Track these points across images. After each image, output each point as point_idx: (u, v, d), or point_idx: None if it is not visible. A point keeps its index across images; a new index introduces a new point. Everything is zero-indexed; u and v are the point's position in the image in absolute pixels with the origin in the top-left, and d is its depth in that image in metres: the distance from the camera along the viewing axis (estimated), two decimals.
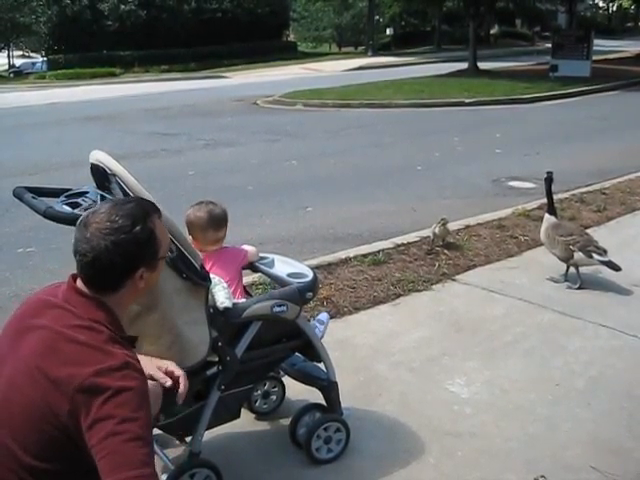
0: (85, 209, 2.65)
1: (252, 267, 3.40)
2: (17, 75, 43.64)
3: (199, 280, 2.59)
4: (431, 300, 5.12)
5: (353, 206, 7.99)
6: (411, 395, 3.78)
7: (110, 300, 2.10)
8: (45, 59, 42.94)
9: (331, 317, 4.73)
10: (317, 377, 3.29)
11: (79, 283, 2.11)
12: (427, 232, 6.20)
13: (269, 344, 3.05)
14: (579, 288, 5.27)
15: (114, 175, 2.61)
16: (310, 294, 3.10)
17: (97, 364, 1.91)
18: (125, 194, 2.61)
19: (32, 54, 51.40)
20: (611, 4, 63.88)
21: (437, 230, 5.95)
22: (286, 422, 3.38)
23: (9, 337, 2.13)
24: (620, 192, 8.10)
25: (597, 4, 67.45)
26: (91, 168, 2.78)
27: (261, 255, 3.42)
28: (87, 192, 2.76)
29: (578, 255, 5.23)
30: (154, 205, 2.22)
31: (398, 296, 5.16)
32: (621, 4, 51.09)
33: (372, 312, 4.92)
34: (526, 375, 3.99)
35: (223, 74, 34.49)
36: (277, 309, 2.95)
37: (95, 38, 39.53)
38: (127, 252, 2.05)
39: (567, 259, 5.31)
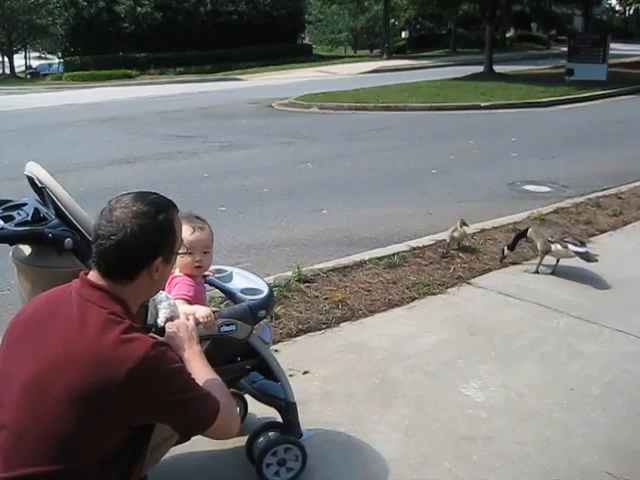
0: (17, 224, 2.63)
1: (207, 281, 3.15)
2: (33, 76, 44.00)
3: None
4: (446, 304, 5.11)
5: (368, 209, 7.99)
6: (426, 398, 3.77)
7: (125, 292, 2.13)
8: (61, 61, 43.30)
9: (346, 320, 4.78)
10: (276, 397, 3.08)
11: (92, 276, 2.14)
12: (443, 235, 6.18)
13: (221, 363, 2.77)
14: (552, 274, 5.63)
15: (44, 188, 2.59)
16: (263, 312, 2.90)
17: (133, 355, 1.98)
18: (57, 208, 2.58)
19: (48, 56, 51.73)
20: (628, 8, 63.51)
21: (456, 233, 5.94)
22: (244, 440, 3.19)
23: (20, 339, 2.14)
24: (636, 196, 8.06)
25: (613, 7, 67.16)
26: (28, 180, 2.75)
27: (219, 268, 3.23)
28: (26, 204, 2.73)
29: (555, 247, 5.48)
30: (173, 202, 2.26)
31: (413, 299, 5.15)
32: (638, 7, 50.79)
33: (387, 315, 4.91)
34: (542, 379, 3.97)
35: (238, 76, 34.59)
36: (225, 328, 2.76)
37: (111, 40, 39.78)
38: (150, 238, 2.10)
39: (546, 251, 5.59)
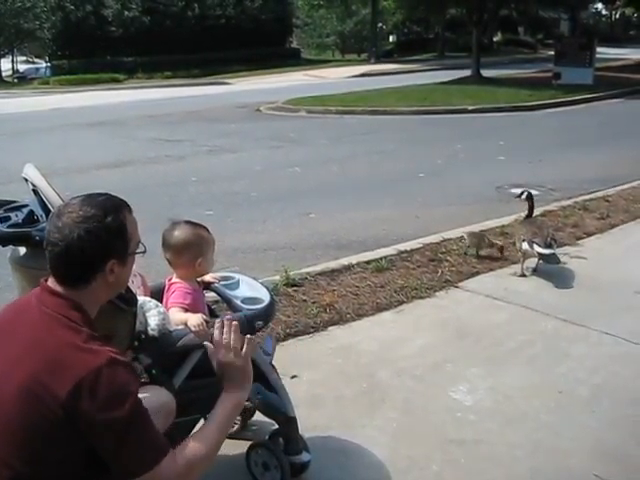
0: (10, 225, 2.63)
1: (210, 288, 3.11)
2: (21, 80, 43.73)
3: (121, 304, 2.37)
4: (434, 307, 5.12)
5: (356, 213, 7.99)
6: (414, 402, 3.77)
7: (82, 297, 2.08)
8: (49, 65, 43.08)
9: (334, 323, 4.78)
10: (277, 410, 3.02)
11: (51, 282, 2.10)
12: (430, 239, 6.20)
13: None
14: (522, 276, 5.66)
15: (37, 190, 2.59)
16: (260, 323, 2.83)
17: (86, 365, 1.92)
18: (46, 210, 2.57)
19: (36, 59, 51.51)
20: (614, 12, 63.91)
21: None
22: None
23: None
24: (623, 200, 8.09)
25: (600, 12, 67.49)
26: (25, 182, 2.76)
27: (226, 275, 3.18)
28: (26, 206, 2.73)
29: (524, 246, 5.56)
30: (125, 201, 2.21)
31: (401, 303, 5.15)
32: (624, 12, 51.18)
33: (375, 319, 4.91)
34: (530, 382, 3.98)
35: (226, 80, 34.52)
36: None
37: (99, 44, 39.65)
38: (98, 241, 2.05)
39: (520, 250, 5.68)
